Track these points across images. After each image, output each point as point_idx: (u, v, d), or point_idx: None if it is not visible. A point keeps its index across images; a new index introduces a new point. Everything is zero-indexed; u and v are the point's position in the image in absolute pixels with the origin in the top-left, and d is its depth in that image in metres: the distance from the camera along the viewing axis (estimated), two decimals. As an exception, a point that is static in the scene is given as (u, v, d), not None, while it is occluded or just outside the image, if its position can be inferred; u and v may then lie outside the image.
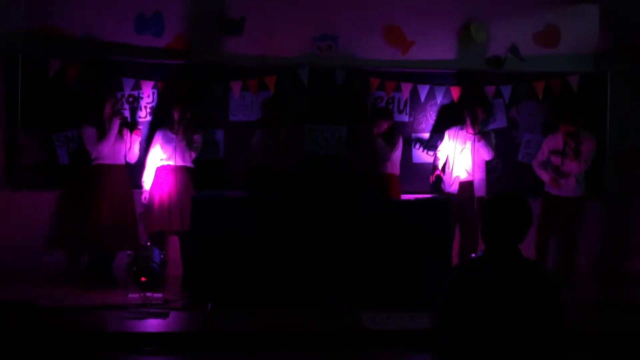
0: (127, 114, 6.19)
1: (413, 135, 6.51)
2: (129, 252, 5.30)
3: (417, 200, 5.69)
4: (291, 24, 6.34)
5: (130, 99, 6.24)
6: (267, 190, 5.74)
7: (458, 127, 6.14)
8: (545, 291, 2.26)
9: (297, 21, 6.35)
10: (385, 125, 5.98)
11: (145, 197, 5.84)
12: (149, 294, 5.15)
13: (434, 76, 6.46)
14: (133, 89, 6.22)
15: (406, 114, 6.50)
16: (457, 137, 6.11)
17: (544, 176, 6.00)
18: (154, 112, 6.24)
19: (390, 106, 6.44)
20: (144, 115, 6.27)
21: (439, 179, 6.17)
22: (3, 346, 4.05)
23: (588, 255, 6.33)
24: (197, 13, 6.31)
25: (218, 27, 6.31)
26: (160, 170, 5.82)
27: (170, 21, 6.29)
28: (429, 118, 6.52)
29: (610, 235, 6.69)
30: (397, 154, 6.04)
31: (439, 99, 6.47)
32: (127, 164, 5.88)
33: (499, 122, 6.52)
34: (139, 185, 5.92)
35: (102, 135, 5.69)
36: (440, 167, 6.17)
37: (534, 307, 2.23)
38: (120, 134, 5.77)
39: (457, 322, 2.25)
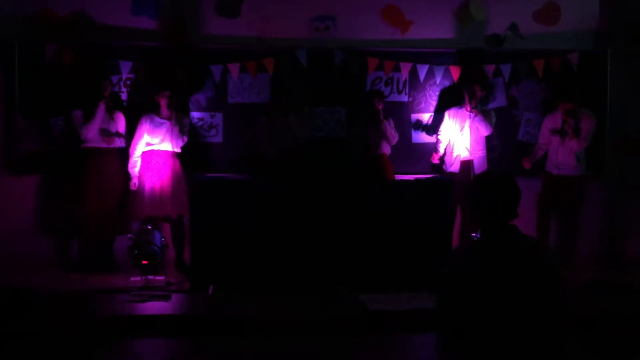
0: (124, 96, 6.17)
1: (412, 115, 6.49)
2: (129, 235, 5.32)
3: (416, 180, 5.68)
4: (288, 4, 6.29)
5: (128, 82, 6.20)
6: (267, 173, 5.73)
7: (457, 107, 6.13)
8: (544, 267, 2.27)
9: (294, 2, 6.30)
10: (381, 106, 5.98)
11: (134, 184, 5.72)
12: (150, 277, 5.18)
13: (433, 55, 6.42)
14: (130, 72, 6.18)
15: (405, 94, 6.47)
16: (456, 117, 6.10)
17: (537, 154, 6.04)
18: (134, 95, 6.13)
19: (389, 87, 6.41)
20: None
21: (441, 161, 6.17)
22: (5, 334, 4.07)
23: (588, 236, 6.33)
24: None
25: (214, 8, 6.26)
26: (149, 155, 5.71)
27: (166, 3, 6.24)
28: (429, 98, 6.49)
29: (610, 216, 6.68)
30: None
31: (439, 79, 6.44)
32: (119, 148, 5.81)
33: (499, 101, 6.50)
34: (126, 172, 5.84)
35: (88, 117, 5.64)
36: (441, 149, 6.17)
37: (533, 283, 2.24)
38: (110, 116, 5.71)
39: (459, 305, 2.26)
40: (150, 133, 5.70)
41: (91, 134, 5.66)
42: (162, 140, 5.70)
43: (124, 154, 5.84)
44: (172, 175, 5.70)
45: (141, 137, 5.71)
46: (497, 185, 2.35)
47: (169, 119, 5.72)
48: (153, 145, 5.71)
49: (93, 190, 5.64)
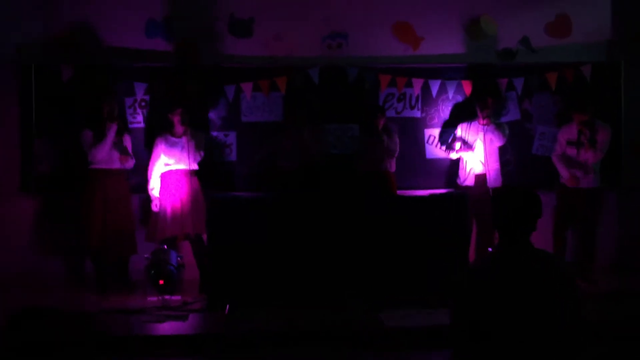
0: (139, 118, 6.24)
1: (426, 130, 6.49)
2: (145, 255, 5.34)
3: (432, 195, 5.66)
4: (300, 23, 6.34)
5: (143, 103, 6.27)
6: (282, 190, 5.75)
7: (469, 121, 6.13)
8: (558, 281, 2.26)
9: (306, 20, 6.35)
10: (382, 122, 5.99)
11: (156, 205, 5.72)
12: (167, 297, 5.19)
13: (445, 71, 6.44)
14: (145, 93, 6.25)
15: (418, 110, 6.48)
16: (468, 131, 6.10)
17: (564, 172, 5.93)
18: (148, 116, 6.21)
19: (402, 102, 6.43)
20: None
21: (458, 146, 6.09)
22: (28, 352, 4.09)
23: (605, 246, 6.26)
24: (206, 16, 6.33)
25: (227, 29, 6.33)
26: (167, 175, 5.72)
27: (179, 25, 6.31)
28: (441, 113, 6.50)
29: (628, 226, 6.61)
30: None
31: (451, 94, 6.45)
32: (125, 169, 5.83)
33: (512, 114, 6.48)
34: (141, 191, 5.88)
35: (98, 139, 5.67)
36: (455, 157, 6.14)
37: (547, 298, 2.23)
38: (120, 138, 5.75)
39: (473, 320, 2.25)
40: (167, 153, 5.72)
41: (101, 155, 5.66)
42: (178, 159, 5.71)
43: (132, 175, 5.91)
44: (191, 194, 5.70)
45: (158, 157, 5.74)
46: (517, 200, 2.36)
47: (183, 135, 5.76)
48: (170, 165, 5.73)
49: (100, 211, 5.64)
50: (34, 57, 6.16)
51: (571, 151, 5.88)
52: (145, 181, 5.82)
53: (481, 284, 2.28)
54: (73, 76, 6.10)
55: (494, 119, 6.15)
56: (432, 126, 6.49)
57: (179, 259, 5.38)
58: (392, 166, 6.08)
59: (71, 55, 6.17)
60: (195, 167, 5.78)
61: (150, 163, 5.78)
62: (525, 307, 2.22)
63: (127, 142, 5.88)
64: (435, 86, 6.40)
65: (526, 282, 2.25)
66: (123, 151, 5.75)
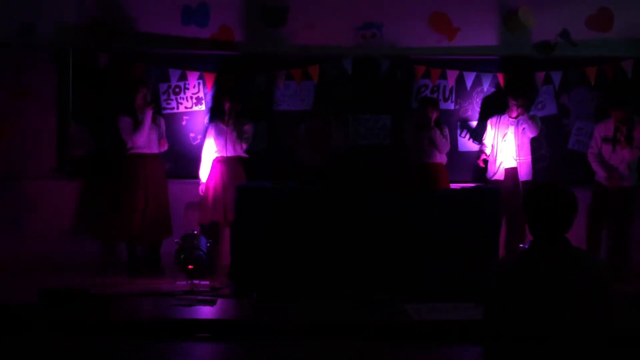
0: (173, 104, 6.31)
1: (459, 123, 6.41)
2: (176, 240, 5.41)
3: (462, 189, 5.60)
4: (335, 13, 6.30)
5: (177, 90, 6.33)
6: (311, 181, 5.75)
7: (499, 115, 6.05)
8: (593, 281, 2.21)
9: (340, 10, 6.31)
10: (434, 115, 5.94)
11: (202, 189, 5.95)
12: (196, 282, 5.24)
13: (480, 63, 6.34)
14: (179, 79, 6.31)
15: (452, 102, 6.40)
16: (499, 125, 6.02)
17: (600, 172, 5.81)
18: (210, 103, 6.36)
19: (435, 94, 6.36)
20: (189, 106, 6.36)
21: (485, 164, 6.08)
22: (57, 334, 4.19)
23: (640, 246, 6.13)
24: (241, 4, 6.35)
25: (262, 17, 6.34)
26: (214, 162, 5.94)
27: (215, 12, 6.34)
28: (475, 106, 6.41)
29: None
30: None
31: (486, 86, 6.35)
32: (161, 153, 5.95)
33: (549, 109, 6.36)
34: (191, 176, 6.06)
35: (137, 125, 5.76)
36: (487, 152, 6.09)
37: (580, 297, 2.18)
38: (155, 123, 5.85)
39: (505, 316, 2.22)
40: (215, 139, 5.94)
41: (141, 140, 5.78)
42: (222, 147, 5.89)
43: (166, 158, 6.05)
44: (234, 181, 5.80)
45: (210, 143, 5.95)
46: (552, 198, 2.29)
47: (227, 125, 5.89)
48: (217, 151, 5.94)
49: (140, 196, 5.75)
50: (71, 41, 6.25)
51: (606, 148, 5.75)
52: (178, 165, 6.02)
53: (514, 281, 2.24)
54: (109, 62, 6.18)
55: (527, 112, 6.04)
56: (466, 119, 6.42)
57: (208, 244, 5.44)
58: (444, 159, 6.03)
59: (107, 40, 6.25)
60: (240, 154, 5.94)
61: (203, 147, 6.01)
62: (557, 306, 2.17)
63: (163, 125, 5.99)
64: (470, 78, 6.32)
65: (559, 281, 2.20)
66: (160, 135, 5.87)
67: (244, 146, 5.94)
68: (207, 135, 6.01)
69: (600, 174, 5.80)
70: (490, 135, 6.07)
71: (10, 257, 5.80)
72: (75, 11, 6.24)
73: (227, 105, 5.92)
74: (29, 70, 6.23)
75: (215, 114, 6.14)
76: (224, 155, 5.91)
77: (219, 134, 5.92)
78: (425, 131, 5.93)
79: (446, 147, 6.00)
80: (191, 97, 6.36)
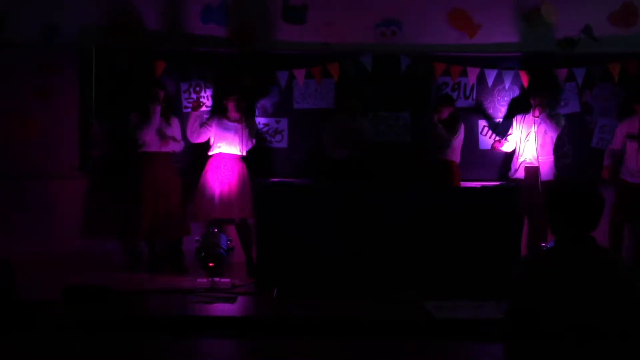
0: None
1: (480, 121, 6.36)
2: (196, 237, 5.44)
3: (483, 187, 5.56)
4: (354, 10, 6.29)
5: (197, 88, 6.36)
6: (333, 178, 5.75)
7: (524, 113, 5.98)
8: (618, 281, 2.17)
9: (360, 7, 6.30)
10: (446, 112, 5.89)
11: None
12: (216, 279, 5.27)
13: (501, 60, 6.28)
14: (200, 78, 6.33)
15: (472, 100, 6.35)
16: (523, 123, 5.96)
17: (606, 161, 5.82)
18: (212, 100, 6.32)
19: (456, 92, 6.31)
20: (210, 105, 6.37)
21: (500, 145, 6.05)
22: (79, 329, 4.23)
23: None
24: (261, 2, 6.36)
25: (281, 15, 6.34)
26: (216, 158, 5.82)
27: (234, 10, 6.36)
28: (497, 103, 6.35)
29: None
30: (459, 141, 5.95)
31: (507, 84, 6.29)
32: (174, 152, 5.92)
33: (572, 106, 6.28)
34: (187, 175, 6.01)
35: (144, 121, 5.76)
36: (506, 150, 6.04)
37: (605, 297, 2.14)
38: (166, 121, 5.83)
39: (530, 313, 2.19)
40: (218, 136, 5.84)
41: (148, 137, 5.77)
42: (229, 144, 5.82)
43: (180, 159, 6.04)
44: (239, 179, 5.79)
45: (204, 133, 5.85)
46: (577, 195, 2.25)
47: (237, 122, 5.84)
48: (220, 148, 5.83)
49: (149, 194, 5.75)
50: (94, 41, 6.31)
51: (631, 145, 5.68)
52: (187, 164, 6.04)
53: (541, 278, 2.21)
54: (129, 61, 6.22)
55: (550, 110, 5.97)
56: (487, 117, 6.36)
57: (229, 242, 5.46)
58: (457, 156, 5.99)
59: (128, 39, 6.30)
60: (244, 153, 5.86)
61: (193, 136, 5.86)
62: (581, 305, 2.14)
63: (175, 125, 5.95)
64: (491, 76, 6.26)
65: (584, 280, 2.17)
66: (162, 134, 5.80)
67: (253, 142, 5.89)
68: (206, 127, 5.83)
69: (606, 162, 5.80)
70: (516, 133, 6.01)
71: (34, 255, 5.87)
72: (97, 11, 6.30)
73: (231, 103, 5.81)
74: (51, 71, 6.29)
75: (217, 110, 6.01)
76: (229, 152, 5.80)
77: (224, 130, 5.81)
78: (431, 128, 5.89)
79: (450, 144, 5.89)
80: (211, 96, 6.38)
